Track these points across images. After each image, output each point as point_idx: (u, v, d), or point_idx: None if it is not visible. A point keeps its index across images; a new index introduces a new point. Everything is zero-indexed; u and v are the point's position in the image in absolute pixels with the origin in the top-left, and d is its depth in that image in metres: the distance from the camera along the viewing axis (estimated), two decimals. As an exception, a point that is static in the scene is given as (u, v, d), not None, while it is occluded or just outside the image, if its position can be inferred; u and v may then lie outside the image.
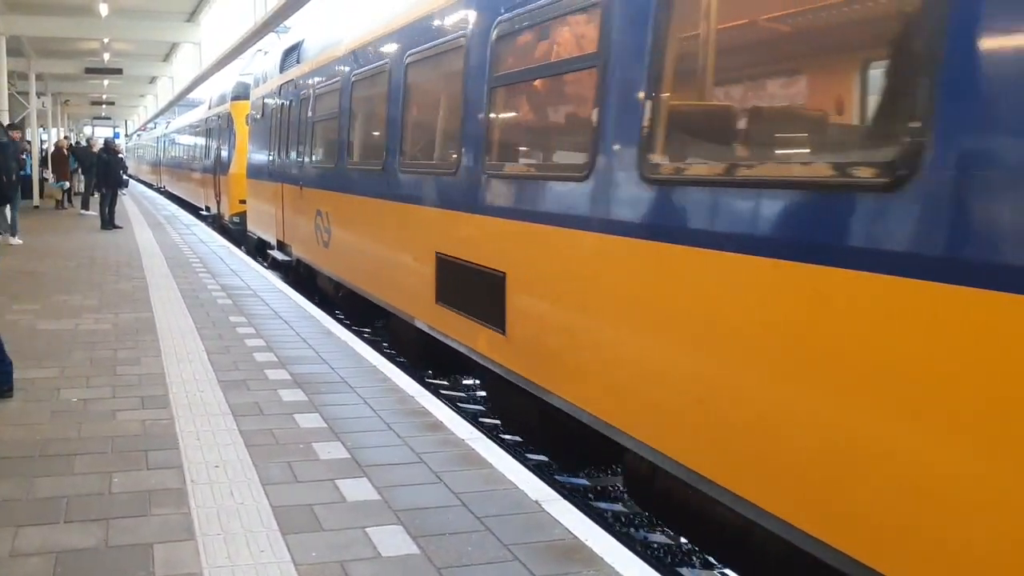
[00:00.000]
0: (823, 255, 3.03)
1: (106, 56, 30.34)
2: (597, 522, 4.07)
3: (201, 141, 25.32)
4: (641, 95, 4.10)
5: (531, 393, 5.25)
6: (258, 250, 15.25)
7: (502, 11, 5.49)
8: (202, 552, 3.45)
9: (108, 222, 18.65)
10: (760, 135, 3.72)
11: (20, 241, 15.73)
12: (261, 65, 16.13)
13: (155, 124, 51.86)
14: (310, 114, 10.99)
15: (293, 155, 11.87)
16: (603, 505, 5.94)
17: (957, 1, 2.61)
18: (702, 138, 3.98)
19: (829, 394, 3.02)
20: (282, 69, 13.08)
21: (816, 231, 3.09)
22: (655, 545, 5.44)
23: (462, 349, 6.30)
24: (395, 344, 8.97)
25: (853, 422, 2.92)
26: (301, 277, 11.97)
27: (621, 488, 6.11)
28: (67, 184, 25.21)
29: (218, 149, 21.32)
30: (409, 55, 7.30)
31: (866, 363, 2.88)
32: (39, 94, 32.12)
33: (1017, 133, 2.46)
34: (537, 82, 5.46)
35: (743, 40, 3.87)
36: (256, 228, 15.01)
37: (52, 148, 27.07)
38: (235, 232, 18.21)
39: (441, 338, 6.67)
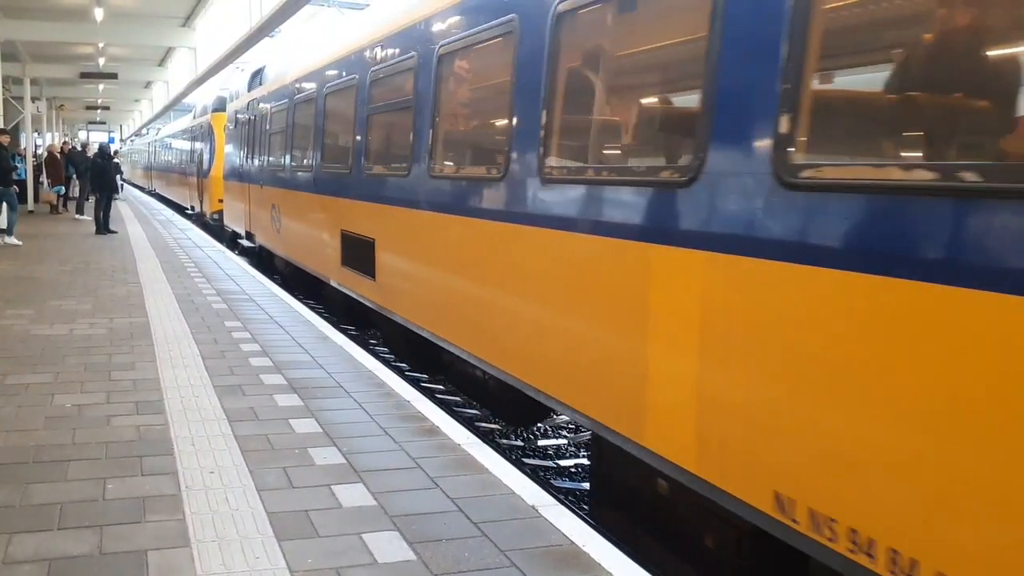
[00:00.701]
0: (483, 214, 5.76)
1: (101, 61, 30.27)
2: (594, 527, 4.06)
3: (186, 148, 27.96)
4: (428, 126, 6.79)
5: (394, 320, 7.79)
6: (232, 242, 17.74)
7: (374, 69, 8.21)
8: (197, 559, 3.42)
9: (103, 227, 18.61)
10: (470, 154, 6.62)
11: (18, 242, 16.00)
12: (236, 83, 18.93)
13: (147, 130, 52.60)
14: (268, 127, 13.56)
15: (256, 160, 14.41)
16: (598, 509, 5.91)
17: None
18: (450, 152, 6.84)
19: (498, 295, 5.56)
20: (249, 88, 15.84)
21: (478, 204, 5.86)
22: (653, 550, 5.41)
23: (354, 295, 8.94)
24: (330, 309, 11.27)
25: (513, 307, 5.36)
26: (263, 260, 14.75)
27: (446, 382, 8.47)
28: (63, 189, 25.16)
29: (200, 155, 24.03)
30: (327, 87, 10.01)
31: (508, 262, 5.39)
32: (34, 99, 32.04)
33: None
34: (387, 113, 8.10)
35: (470, 99, 6.67)
36: (231, 222, 17.65)
37: (45, 153, 27.03)
38: (214, 227, 20.86)
39: (345, 291, 9.33)
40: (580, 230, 4.57)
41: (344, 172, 9.13)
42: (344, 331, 9.29)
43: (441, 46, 6.60)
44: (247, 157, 15.23)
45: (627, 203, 4.18)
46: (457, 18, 6.42)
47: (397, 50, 7.62)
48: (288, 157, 12.00)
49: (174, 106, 36.39)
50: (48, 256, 14.31)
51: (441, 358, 7.65)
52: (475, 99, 6.59)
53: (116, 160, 23.59)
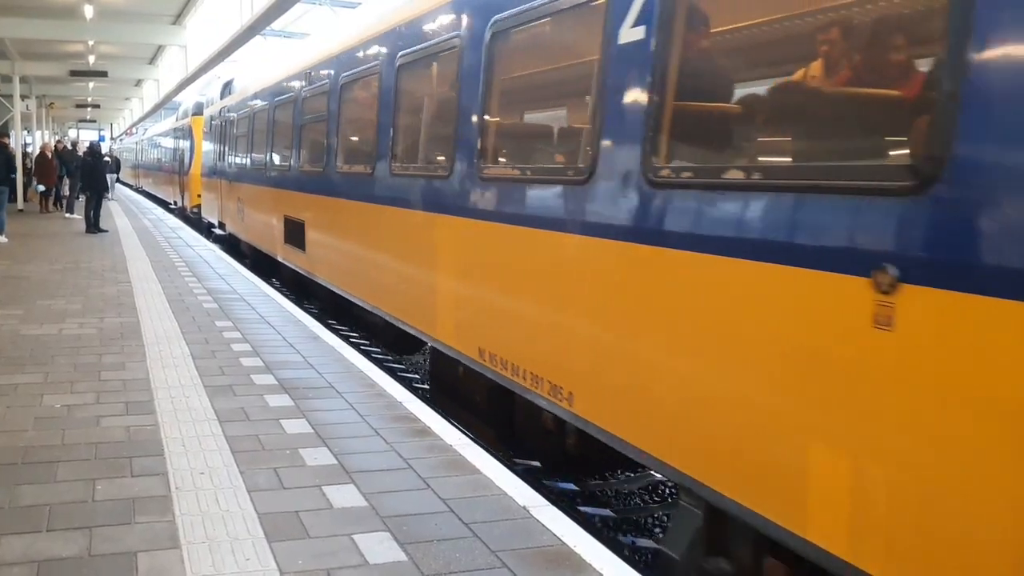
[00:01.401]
0: (361, 198, 8.23)
1: (91, 59, 30.11)
2: (585, 528, 4.06)
3: (169, 148, 31.01)
4: (335, 134, 9.39)
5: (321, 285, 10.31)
6: (207, 232, 20.16)
7: (304, 89, 10.81)
8: (187, 560, 3.41)
9: (93, 225, 18.53)
10: (354, 156, 8.94)
11: (5, 240, 15.94)
12: (212, 90, 21.81)
13: (135, 130, 52.99)
14: (235, 131, 16.12)
15: (227, 159, 16.99)
16: (591, 510, 5.93)
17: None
18: (345, 154, 9.21)
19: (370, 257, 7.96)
20: (221, 96, 18.78)
21: (359, 191, 8.33)
22: (643, 551, 5.42)
23: (292, 266, 11.63)
24: (284, 284, 13.67)
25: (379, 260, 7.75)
26: (232, 245, 17.20)
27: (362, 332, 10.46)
28: (42, 187, 24.99)
29: (182, 154, 26.68)
30: (276, 100, 12.53)
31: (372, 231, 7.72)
32: (23, 96, 31.84)
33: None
34: (312, 125, 10.54)
35: (355, 117, 9.05)
36: (207, 215, 20.27)
37: (36, 152, 26.89)
38: (193, 219, 23.38)
39: (286, 263, 12.01)
40: (403, 206, 7.14)
41: (286, 169, 11.79)
42: (308, 310, 10.99)
43: (342, 77, 9.15)
44: (219, 157, 17.84)
45: (407, 187, 7.06)
46: (352, 59, 8.99)
47: (319, 78, 10.18)
48: (250, 157, 14.49)
49: (165, 104, 36.27)
50: (38, 255, 14.23)
51: (352, 311, 10.14)
52: (356, 118, 9.10)
53: (113, 155, 24.55)
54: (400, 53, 7.31)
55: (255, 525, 3.77)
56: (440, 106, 6.93)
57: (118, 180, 32.90)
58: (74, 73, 31.36)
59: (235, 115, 15.99)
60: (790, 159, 3.64)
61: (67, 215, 23.29)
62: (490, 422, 6.60)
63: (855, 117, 3.28)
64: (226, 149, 17.00)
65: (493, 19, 5.56)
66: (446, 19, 6.42)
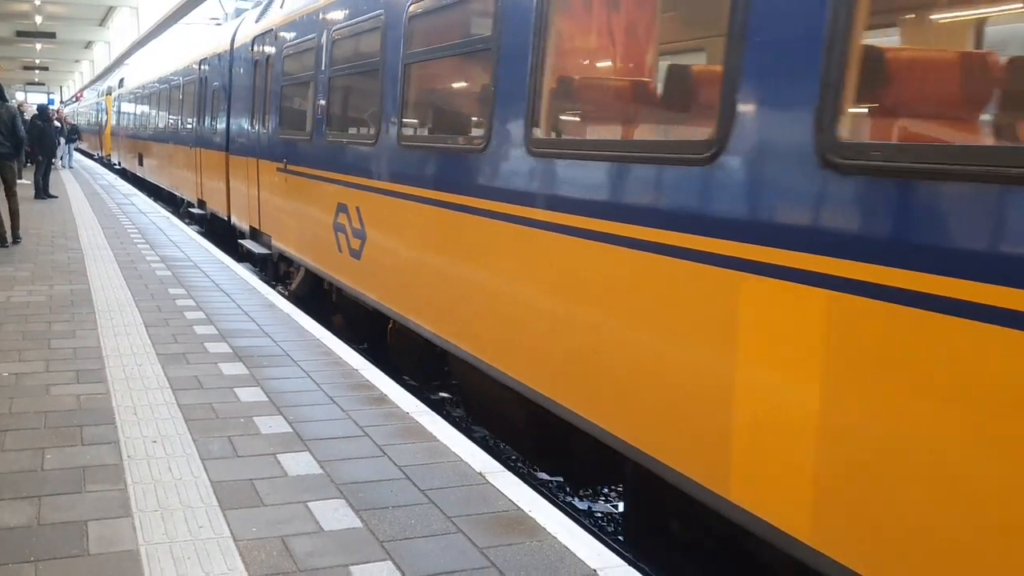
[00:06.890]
0: (183, 143, 18.36)
1: (38, 19, 29.22)
2: (541, 493, 4.10)
3: (93, 115, 43.65)
4: (168, 112, 20.25)
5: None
6: (111, 167, 33.06)
7: (144, 90, 24.71)
8: (139, 528, 3.38)
9: (43, 191, 18.05)
10: (177, 123, 18.86)
11: None
12: (114, 81, 36.13)
13: (75, 99, 61.84)
14: (126, 107, 28.71)
15: (120, 124, 30.70)
16: (546, 476, 5.99)
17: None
18: (175, 122, 19.01)
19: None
20: (119, 87, 32.07)
21: (180, 139, 18.97)
22: (598, 515, 5.50)
23: (140, 174, 25.39)
24: (147, 191, 23.08)
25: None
26: (123, 174, 29.10)
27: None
28: None
29: (100, 119, 39.13)
30: (143, 92, 24.68)
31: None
32: (-33, 57, 30.87)
33: None
34: (158, 107, 21.43)
35: (184, 104, 17.96)
36: (115, 157, 33.01)
37: None
38: (106, 160, 35.96)
39: (139, 174, 25.62)
40: (177, 144, 18.23)
41: (141, 130, 23.80)
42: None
43: (173, 83, 18.57)
44: (118, 122, 31.47)
45: (178, 136, 18.11)
46: (166, 78, 19.55)
47: (150, 85, 22.35)
48: (140, 122, 25.37)
49: (116, 68, 35.42)
50: (-16, 221, 13.83)
51: (162, 193, 21.22)
52: (186, 104, 16.86)
53: (69, 122, 31.06)
54: (184, 80, 17.00)
55: (208, 493, 3.75)
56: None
57: (77, 149, 34.35)
58: (20, 34, 30.43)
59: (128, 98, 28.57)
60: None
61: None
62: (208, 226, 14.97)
63: None
64: (122, 117, 30.21)
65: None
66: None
